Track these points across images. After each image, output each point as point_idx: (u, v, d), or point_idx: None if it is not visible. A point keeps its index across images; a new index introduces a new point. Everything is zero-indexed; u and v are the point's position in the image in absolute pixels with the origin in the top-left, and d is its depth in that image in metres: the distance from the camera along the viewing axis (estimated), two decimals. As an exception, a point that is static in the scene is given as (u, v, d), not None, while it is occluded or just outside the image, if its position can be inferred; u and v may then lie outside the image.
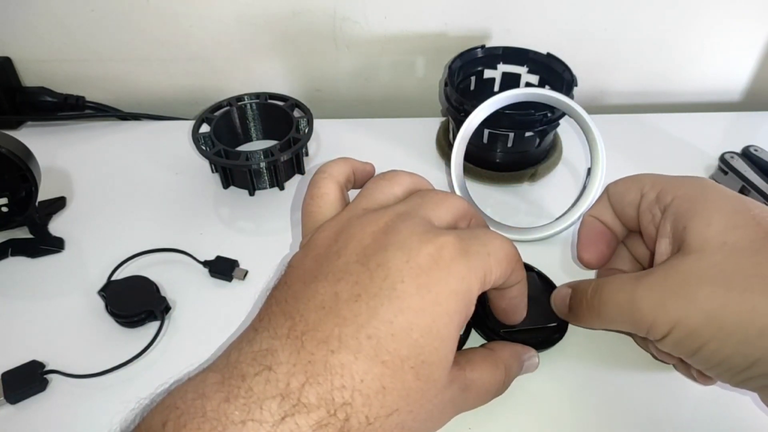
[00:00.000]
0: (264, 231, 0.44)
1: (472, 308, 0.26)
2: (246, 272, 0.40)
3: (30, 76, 0.56)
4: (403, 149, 0.51)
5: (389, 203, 0.28)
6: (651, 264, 0.33)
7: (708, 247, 0.26)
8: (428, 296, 0.24)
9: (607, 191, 0.34)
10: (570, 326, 0.35)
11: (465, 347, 0.35)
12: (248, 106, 0.51)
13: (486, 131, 0.45)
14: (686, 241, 0.27)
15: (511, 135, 0.45)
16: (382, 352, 0.23)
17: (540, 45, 0.49)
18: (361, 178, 0.32)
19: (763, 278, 0.24)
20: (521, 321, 0.35)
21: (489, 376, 0.29)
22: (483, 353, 0.30)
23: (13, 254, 0.41)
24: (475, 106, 0.42)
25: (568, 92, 0.45)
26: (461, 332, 0.30)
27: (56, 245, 0.42)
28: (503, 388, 0.30)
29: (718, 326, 0.24)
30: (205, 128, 0.47)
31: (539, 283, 0.37)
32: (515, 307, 0.31)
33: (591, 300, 0.30)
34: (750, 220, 0.26)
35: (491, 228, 0.42)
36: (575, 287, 0.32)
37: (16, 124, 0.54)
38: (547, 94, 0.42)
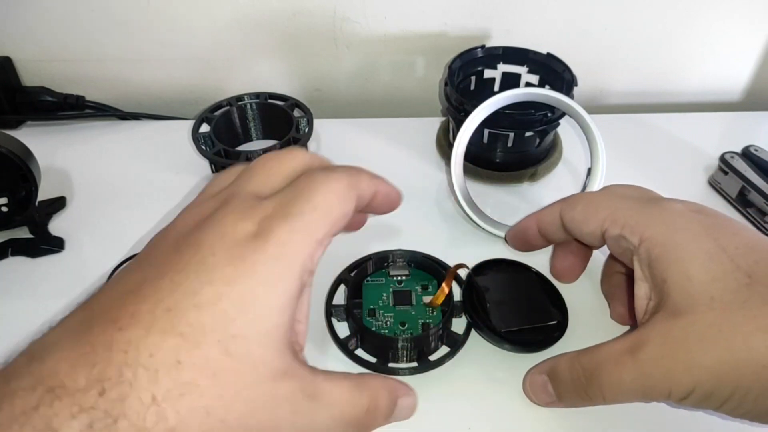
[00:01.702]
0: (264, 231, 0.44)
1: (306, 276, 0.23)
2: (246, 272, 0.40)
3: (30, 76, 0.56)
4: (403, 149, 0.51)
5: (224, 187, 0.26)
6: (629, 287, 0.33)
7: (697, 306, 0.25)
8: (242, 266, 0.21)
9: (562, 215, 0.33)
10: (570, 325, 0.35)
11: (464, 348, 0.35)
12: (248, 106, 0.51)
13: (486, 131, 0.45)
14: (671, 297, 0.26)
15: (511, 135, 0.44)
16: (180, 323, 0.20)
17: (540, 45, 0.49)
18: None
19: (761, 333, 0.24)
20: (519, 320, 0.34)
21: (347, 396, 0.24)
22: (348, 374, 0.25)
23: (13, 254, 0.41)
24: (475, 106, 0.42)
25: (568, 92, 0.45)
26: (304, 310, 0.26)
27: (56, 245, 0.42)
28: (365, 419, 0.25)
29: (733, 387, 0.24)
30: (205, 128, 0.47)
31: (537, 282, 0.37)
32: (389, 198, 0.28)
33: (589, 389, 0.28)
34: (728, 264, 0.25)
35: (483, 225, 0.42)
36: (552, 375, 0.31)
37: (16, 124, 0.54)
38: (547, 94, 0.42)
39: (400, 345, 0.33)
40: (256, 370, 0.21)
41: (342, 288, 0.38)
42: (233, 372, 0.20)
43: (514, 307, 0.35)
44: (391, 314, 0.35)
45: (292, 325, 0.23)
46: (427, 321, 0.35)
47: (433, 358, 0.34)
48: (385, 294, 0.37)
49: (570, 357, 0.30)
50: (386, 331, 0.34)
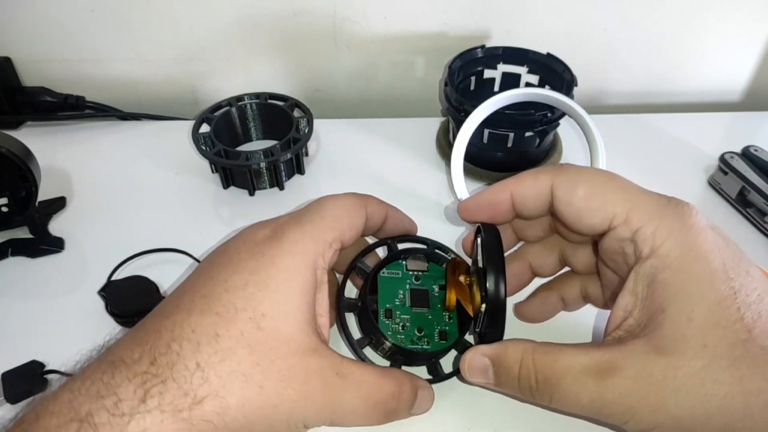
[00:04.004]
0: (264, 231, 0.44)
1: (320, 272, 0.27)
2: (246, 272, 0.40)
3: (30, 76, 0.56)
4: (403, 149, 0.51)
5: None
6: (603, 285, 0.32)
7: (687, 350, 0.23)
8: (263, 259, 0.25)
9: (555, 194, 0.28)
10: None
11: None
12: (248, 106, 0.51)
13: (486, 131, 0.45)
14: (662, 330, 0.24)
15: (511, 135, 0.44)
16: (215, 305, 0.24)
17: (540, 45, 0.49)
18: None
19: (742, 397, 0.22)
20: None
21: (374, 378, 0.26)
22: (373, 364, 0.29)
23: (13, 254, 0.41)
24: (475, 106, 0.42)
25: (568, 92, 0.45)
26: (316, 299, 0.27)
27: (56, 245, 0.42)
28: (392, 403, 0.27)
29: None
30: (205, 128, 0.47)
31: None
32: (402, 223, 0.34)
33: (538, 392, 0.26)
34: (734, 313, 0.23)
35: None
36: (498, 362, 0.27)
37: (16, 124, 0.54)
38: (547, 94, 0.42)
39: (416, 359, 0.32)
40: (287, 344, 0.24)
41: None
42: (266, 345, 0.23)
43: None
44: (407, 317, 0.34)
45: (314, 313, 0.26)
46: (444, 329, 0.34)
47: (447, 369, 0.33)
48: (401, 291, 0.35)
49: (523, 349, 0.26)
50: (402, 336, 0.33)
